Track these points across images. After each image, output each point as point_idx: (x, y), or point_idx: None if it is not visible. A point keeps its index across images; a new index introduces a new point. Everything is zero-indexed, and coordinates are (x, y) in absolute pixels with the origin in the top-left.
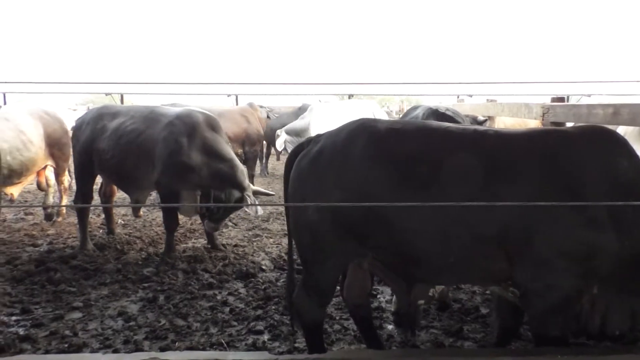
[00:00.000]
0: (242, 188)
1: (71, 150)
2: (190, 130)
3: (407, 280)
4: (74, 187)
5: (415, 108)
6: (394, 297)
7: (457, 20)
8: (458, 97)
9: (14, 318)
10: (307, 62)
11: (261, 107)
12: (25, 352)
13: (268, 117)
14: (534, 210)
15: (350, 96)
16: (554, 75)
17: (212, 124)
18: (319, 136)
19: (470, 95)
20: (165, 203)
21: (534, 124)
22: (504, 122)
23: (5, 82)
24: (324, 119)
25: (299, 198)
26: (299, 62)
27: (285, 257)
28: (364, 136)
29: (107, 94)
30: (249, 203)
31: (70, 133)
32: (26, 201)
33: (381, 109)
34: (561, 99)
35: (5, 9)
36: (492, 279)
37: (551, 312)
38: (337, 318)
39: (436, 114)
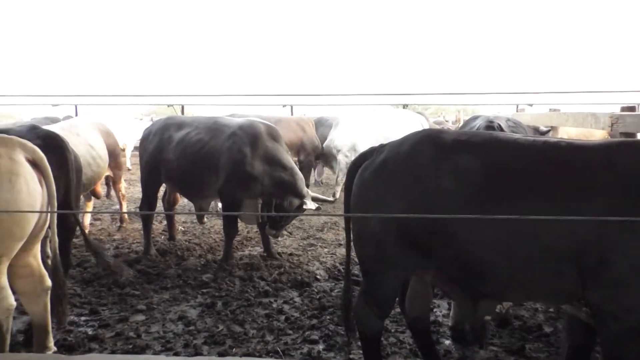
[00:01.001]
0: (301, 196)
1: (123, 159)
2: (252, 140)
3: (473, 296)
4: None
5: (474, 118)
6: (452, 311)
7: (515, 26)
8: (517, 106)
9: (83, 318)
10: (361, 72)
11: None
12: (93, 351)
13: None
14: (611, 226)
15: (404, 106)
16: (621, 83)
17: (273, 134)
18: (382, 146)
19: (530, 105)
20: (227, 211)
21: (600, 135)
22: (567, 133)
23: (77, 95)
24: (350, 133)
25: (362, 208)
26: (353, 72)
27: (340, 267)
28: (429, 147)
29: (168, 105)
30: (310, 213)
31: (138, 143)
32: (95, 207)
33: (437, 118)
34: (631, 108)
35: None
36: (563, 298)
37: (627, 336)
38: (393, 331)
39: (496, 124)
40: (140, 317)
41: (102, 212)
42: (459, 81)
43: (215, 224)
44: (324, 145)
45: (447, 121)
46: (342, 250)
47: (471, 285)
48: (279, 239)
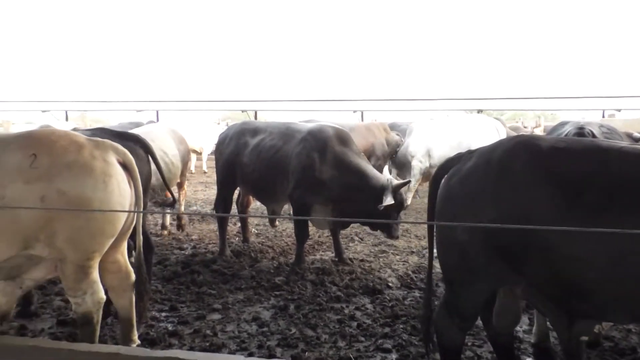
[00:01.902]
0: (377, 194)
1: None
2: (321, 145)
3: (570, 314)
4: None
5: (562, 124)
6: (535, 326)
7: (599, 25)
8: (604, 112)
9: (163, 314)
10: (434, 76)
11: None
12: (173, 347)
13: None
14: None
15: (479, 111)
16: None
17: (343, 138)
18: (470, 152)
19: (619, 110)
20: (297, 215)
21: None
22: None
23: (159, 101)
24: (425, 139)
25: (448, 217)
26: (426, 77)
27: (413, 276)
28: (524, 154)
29: (243, 111)
30: (382, 220)
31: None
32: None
33: (513, 124)
34: None
35: (157, 35)
36: None
37: None
38: (469, 344)
39: (587, 130)
40: (217, 316)
41: (181, 213)
42: (537, 84)
43: (287, 227)
44: (398, 150)
45: (525, 127)
46: (415, 258)
47: (569, 303)
48: (350, 244)
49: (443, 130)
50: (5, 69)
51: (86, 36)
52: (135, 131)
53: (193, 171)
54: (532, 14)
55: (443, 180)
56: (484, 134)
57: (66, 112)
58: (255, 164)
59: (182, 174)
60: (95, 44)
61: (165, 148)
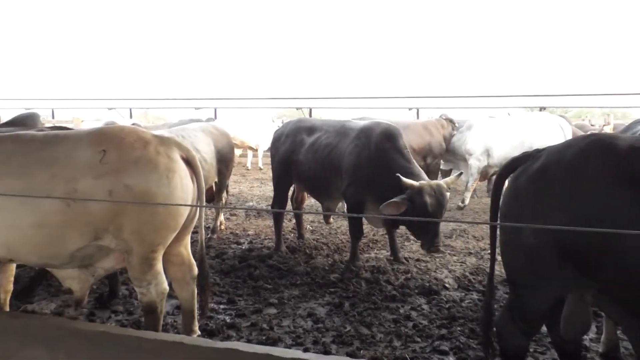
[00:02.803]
0: (409, 197)
1: (232, 166)
2: (370, 142)
3: None
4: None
5: (638, 122)
6: (603, 335)
7: None
8: None
9: (221, 306)
10: (490, 71)
11: (450, 121)
12: (231, 339)
13: (453, 130)
14: None
15: (541, 109)
16: None
17: (390, 135)
18: (539, 151)
19: None
20: (351, 213)
21: None
22: None
23: (217, 99)
24: (484, 136)
25: (514, 218)
26: (479, 72)
27: (470, 277)
28: (601, 154)
29: (297, 108)
30: (441, 219)
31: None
32: (231, 203)
33: (579, 122)
34: None
35: (212, 35)
36: None
37: None
38: (532, 350)
39: None
40: (273, 311)
41: (237, 209)
42: (604, 81)
43: (342, 224)
44: (452, 147)
45: (592, 125)
46: (472, 260)
47: None
48: (405, 243)
49: (504, 129)
50: (75, 69)
51: (151, 36)
52: (169, 130)
53: (249, 168)
54: (596, 5)
55: (508, 180)
56: (548, 133)
57: (130, 110)
58: (310, 162)
59: (221, 173)
60: (159, 44)
61: (197, 145)
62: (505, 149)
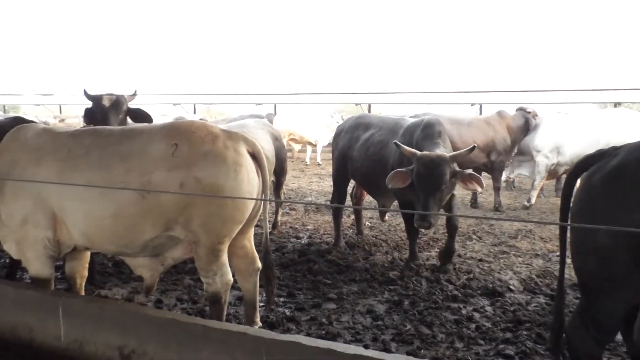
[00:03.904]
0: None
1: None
2: (412, 140)
3: None
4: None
5: None
6: None
7: None
8: None
9: (281, 299)
10: (555, 64)
11: (527, 112)
12: (290, 332)
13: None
14: None
15: (616, 104)
16: None
17: (428, 128)
18: (615, 149)
19: None
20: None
21: None
22: None
23: (277, 94)
24: (554, 133)
25: (585, 218)
26: (545, 65)
27: (537, 280)
28: None
29: (356, 104)
30: (502, 218)
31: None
32: (289, 198)
33: None
34: None
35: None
36: None
37: None
38: (604, 359)
39: None
40: (332, 306)
41: (297, 203)
42: None
43: (400, 221)
44: (520, 144)
45: None
46: (539, 262)
47: None
48: (467, 242)
49: (577, 125)
50: (143, 67)
51: (214, 34)
52: (229, 125)
53: (308, 163)
54: None
55: (581, 179)
56: (626, 130)
57: (194, 106)
58: (363, 159)
59: (279, 174)
60: (221, 42)
61: (260, 142)
62: (579, 146)
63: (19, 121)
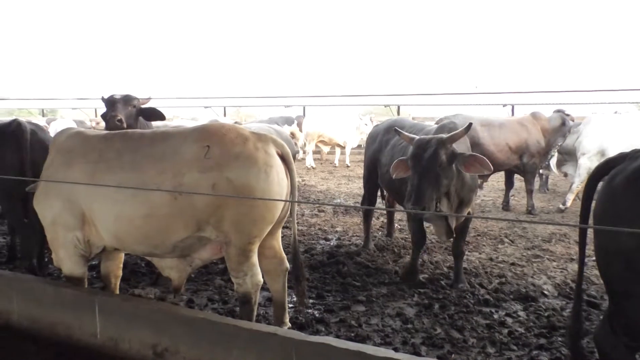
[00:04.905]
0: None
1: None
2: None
3: None
4: None
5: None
6: None
7: None
8: None
9: (310, 301)
10: (602, 63)
11: (566, 113)
12: (319, 333)
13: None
14: None
15: None
16: None
17: (440, 130)
18: (637, 151)
19: None
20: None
21: None
22: None
23: (305, 96)
24: (599, 135)
25: (608, 220)
26: (578, 65)
27: (573, 286)
28: None
29: (385, 106)
30: (535, 221)
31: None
32: (318, 199)
33: None
34: None
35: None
36: None
37: None
38: None
39: None
40: (361, 308)
41: (324, 204)
42: None
43: (430, 225)
44: (566, 145)
45: None
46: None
47: None
48: (499, 246)
49: (626, 128)
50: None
51: (243, 37)
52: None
53: (337, 165)
54: None
55: (603, 182)
56: None
57: (224, 108)
58: (389, 165)
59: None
60: (250, 44)
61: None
62: (625, 149)
63: (17, 123)
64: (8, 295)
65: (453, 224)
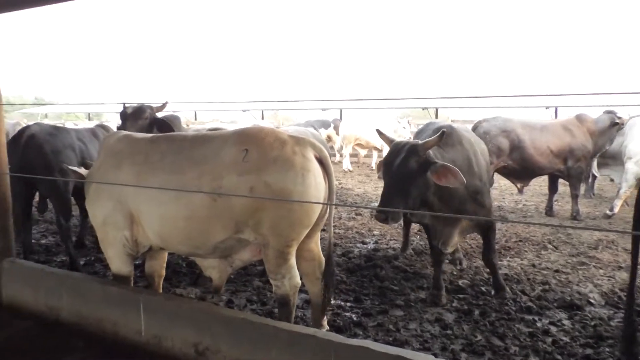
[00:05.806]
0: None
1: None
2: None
3: None
4: None
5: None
6: None
7: None
8: None
9: (348, 304)
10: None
11: (616, 115)
12: (357, 337)
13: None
14: None
15: None
16: None
17: (454, 140)
18: None
19: None
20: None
21: None
22: None
23: (341, 100)
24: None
25: None
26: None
27: (621, 294)
28: None
29: (423, 109)
30: (581, 227)
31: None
32: (355, 202)
33: None
34: None
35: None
36: None
37: None
38: None
39: None
40: (399, 312)
41: (362, 207)
42: None
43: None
44: (609, 149)
45: None
46: (623, 274)
47: None
48: (542, 252)
49: None
50: (214, 75)
51: (281, 42)
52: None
53: (374, 168)
54: None
55: None
56: None
57: (262, 112)
58: None
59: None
60: (290, 48)
61: None
62: None
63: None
64: (58, 292)
65: (454, 236)
